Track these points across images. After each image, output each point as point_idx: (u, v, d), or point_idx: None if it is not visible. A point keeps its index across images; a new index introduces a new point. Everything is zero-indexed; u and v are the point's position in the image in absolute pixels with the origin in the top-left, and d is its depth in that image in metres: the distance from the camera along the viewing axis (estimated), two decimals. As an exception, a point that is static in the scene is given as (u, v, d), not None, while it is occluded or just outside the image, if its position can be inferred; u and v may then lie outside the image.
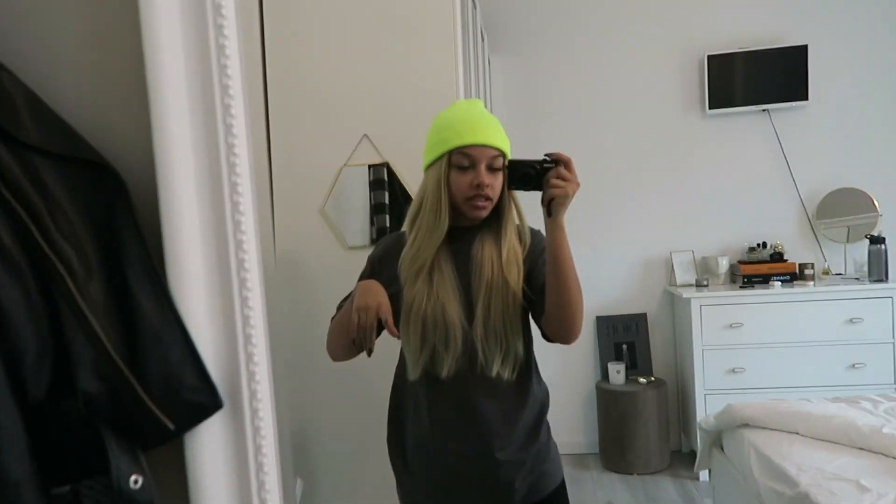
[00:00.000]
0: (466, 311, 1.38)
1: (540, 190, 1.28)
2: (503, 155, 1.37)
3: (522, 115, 3.83)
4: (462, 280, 1.39)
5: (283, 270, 2.10)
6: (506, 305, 1.37)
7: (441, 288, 1.37)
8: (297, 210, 2.10)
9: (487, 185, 1.34)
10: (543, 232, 1.34)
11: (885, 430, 1.97)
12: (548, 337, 1.38)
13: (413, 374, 1.40)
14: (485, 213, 1.38)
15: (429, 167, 1.40)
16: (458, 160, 1.35)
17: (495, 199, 1.37)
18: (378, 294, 1.31)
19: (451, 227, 1.39)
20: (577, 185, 1.26)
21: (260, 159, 2.05)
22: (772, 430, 2.20)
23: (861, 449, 1.99)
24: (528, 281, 1.40)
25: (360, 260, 1.91)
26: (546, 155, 1.29)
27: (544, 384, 1.49)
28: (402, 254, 1.41)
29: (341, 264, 2.05)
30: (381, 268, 1.45)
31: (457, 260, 1.40)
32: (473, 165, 1.35)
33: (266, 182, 2.09)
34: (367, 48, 2.07)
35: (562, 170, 1.25)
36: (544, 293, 1.34)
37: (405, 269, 1.39)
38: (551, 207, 1.26)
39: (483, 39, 3.36)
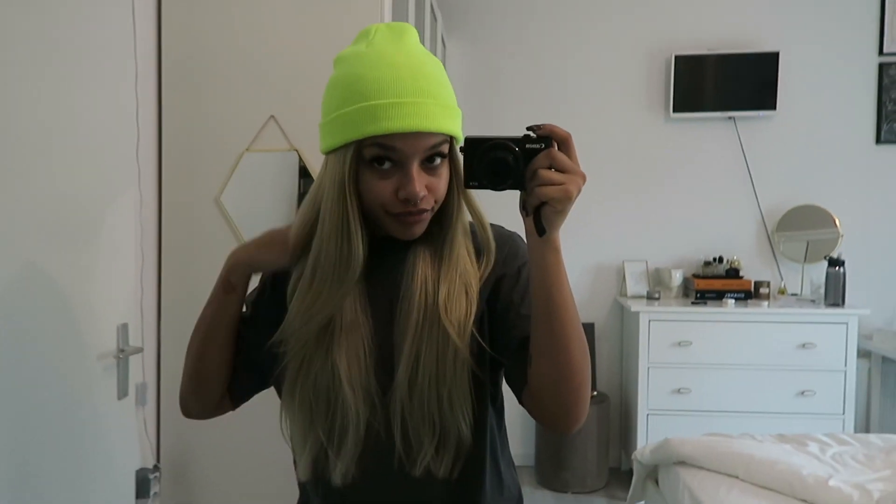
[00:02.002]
0: (383, 375, 0.89)
1: (520, 188, 0.78)
2: (451, 140, 0.86)
3: (477, 101, 3.57)
4: (380, 324, 0.90)
5: (169, 263, 1.82)
6: (443, 364, 0.86)
7: (340, 343, 0.88)
8: (188, 197, 1.81)
9: (423, 197, 0.84)
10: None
11: (830, 483, 1.79)
12: (536, 418, 0.90)
13: (301, 473, 0.94)
14: (419, 232, 0.88)
15: (329, 152, 0.87)
16: (375, 153, 0.83)
17: (437, 207, 0.88)
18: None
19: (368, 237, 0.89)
20: (584, 177, 0.76)
21: (147, 136, 1.76)
22: (710, 471, 2.00)
23: (804, 501, 1.80)
24: (497, 324, 0.91)
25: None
26: (529, 128, 0.78)
27: (515, 483, 1.01)
28: (295, 298, 0.89)
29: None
30: (274, 296, 0.97)
31: (373, 289, 0.91)
32: (399, 164, 0.83)
33: (153, 162, 1.80)
34: (278, 18, 1.79)
35: (557, 153, 0.76)
36: (524, 350, 0.86)
37: (294, 325, 0.89)
38: (540, 217, 0.77)
39: (436, 19, 3.09)
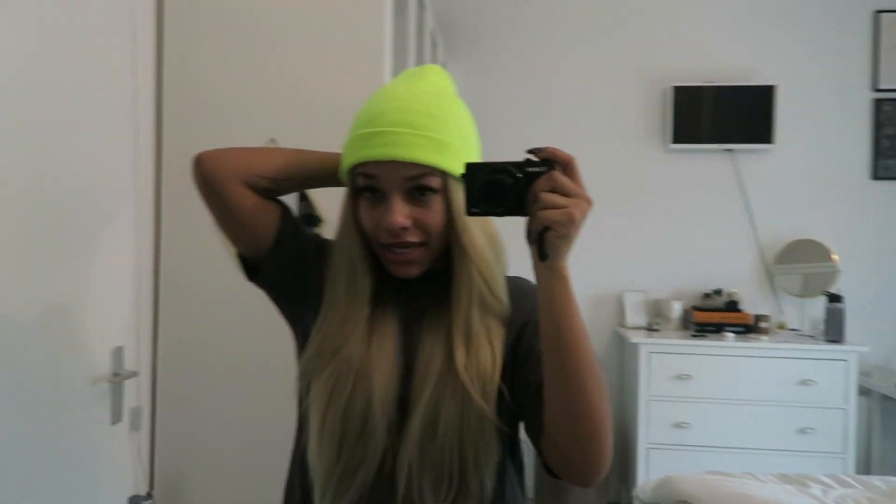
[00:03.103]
0: (397, 409, 0.86)
1: (522, 213, 0.76)
2: (440, 173, 0.84)
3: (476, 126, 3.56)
4: (404, 356, 0.88)
5: (167, 286, 1.79)
6: (467, 422, 0.83)
7: (378, 358, 0.86)
8: (186, 219, 1.78)
9: (404, 228, 0.83)
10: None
11: (837, 525, 1.75)
12: (553, 471, 0.83)
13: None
14: (414, 272, 0.87)
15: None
16: (363, 183, 0.85)
17: (435, 243, 0.86)
18: None
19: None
20: (589, 201, 0.73)
21: (145, 163, 1.73)
22: (713, 510, 1.96)
23: (809, 544, 1.76)
24: (517, 370, 0.87)
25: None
26: (530, 151, 0.76)
27: None
28: (318, 322, 0.90)
29: (234, 284, 1.74)
30: (321, 259, 0.94)
31: (405, 316, 0.90)
32: (384, 194, 0.85)
33: (152, 184, 1.77)
34: (279, 42, 1.78)
35: (559, 176, 0.73)
36: (539, 397, 0.81)
37: (321, 344, 0.88)
38: (544, 244, 0.73)
39: (437, 45, 3.11)
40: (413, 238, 0.84)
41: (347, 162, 0.87)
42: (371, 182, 0.84)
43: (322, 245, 0.97)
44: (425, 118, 0.84)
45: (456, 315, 0.87)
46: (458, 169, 0.82)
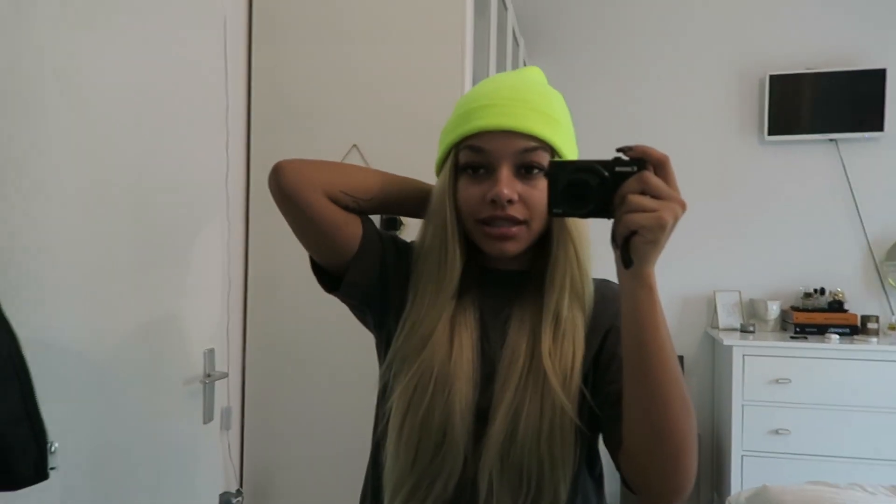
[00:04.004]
0: (476, 418, 0.84)
1: (607, 216, 0.72)
2: (549, 149, 0.83)
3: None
4: (483, 361, 0.86)
5: (255, 290, 1.86)
6: (547, 421, 0.81)
7: (458, 366, 0.84)
8: (274, 225, 1.84)
9: (510, 201, 0.81)
10: None
11: (958, 546, 1.60)
12: (630, 486, 0.79)
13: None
14: (512, 249, 0.84)
15: (439, 172, 0.90)
16: (468, 158, 0.84)
17: (536, 225, 0.84)
18: None
19: (482, 266, 0.90)
20: (682, 205, 0.68)
21: (235, 172, 1.81)
22: (814, 525, 1.84)
23: (925, 565, 1.62)
24: (598, 378, 0.85)
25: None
26: (620, 150, 0.72)
27: None
28: (405, 312, 0.89)
29: (320, 289, 1.79)
30: (401, 261, 0.94)
31: (484, 319, 0.89)
32: (489, 167, 0.83)
33: (242, 191, 1.85)
34: (360, 48, 1.82)
35: (651, 176, 0.69)
36: (618, 407, 0.79)
37: (400, 340, 0.88)
38: (629, 249, 0.70)
39: (518, 44, 3.08)
40: (517, 213, 0.82)
41: (452, 137, 0.86)
42: (477, 157, 0.84)
43: (401, 247, 0.97)
44: (537, 97, 0.85)
45: (548, 298, 0.85)
46: (566, 149, 0.85)
